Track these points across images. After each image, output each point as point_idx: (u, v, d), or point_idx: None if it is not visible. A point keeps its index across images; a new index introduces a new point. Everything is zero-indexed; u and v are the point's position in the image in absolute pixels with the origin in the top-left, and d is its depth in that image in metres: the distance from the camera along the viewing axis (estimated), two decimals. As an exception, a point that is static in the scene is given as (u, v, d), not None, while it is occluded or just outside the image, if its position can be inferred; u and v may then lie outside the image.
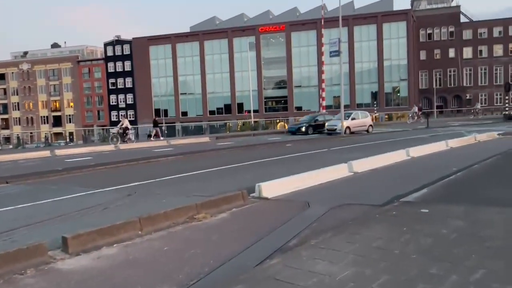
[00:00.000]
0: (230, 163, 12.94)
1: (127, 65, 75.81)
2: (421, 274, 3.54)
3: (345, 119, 27.07)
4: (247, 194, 7.25)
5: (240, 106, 66.56)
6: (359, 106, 61.48)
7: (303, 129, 29.24)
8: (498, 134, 19.57)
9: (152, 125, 33.09)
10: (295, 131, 29.70)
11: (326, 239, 4.69)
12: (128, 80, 76.24)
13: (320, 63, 46.51)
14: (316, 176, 8.64)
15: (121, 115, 26.64)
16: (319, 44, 46.66)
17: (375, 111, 45.32)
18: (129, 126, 25.77)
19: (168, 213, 6.00)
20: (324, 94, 43.39)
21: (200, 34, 69.05)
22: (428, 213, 5.64)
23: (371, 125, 29.00)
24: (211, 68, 69.04)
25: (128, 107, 76.84)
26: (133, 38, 74.44)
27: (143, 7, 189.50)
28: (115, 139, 25.11)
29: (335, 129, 26.90)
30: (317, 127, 29.49)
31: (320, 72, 45.93)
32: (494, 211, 5.59)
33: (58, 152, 20.35)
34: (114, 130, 25.85)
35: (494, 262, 3.78)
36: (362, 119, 28.59)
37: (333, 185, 8.38)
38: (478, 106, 50.25)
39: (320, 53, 46.08)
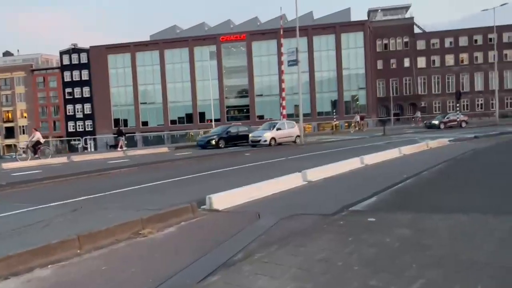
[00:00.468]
0: (186, 174, 12.68)
1: (85, 74, 73.75)
2: (361, 287, 3.49)
3: (270, 129, 26.14)
4: (197, 207, 7.06)
5: (202, 115, 66.13)
6: (320, 114, 62.52)
7: (213, 142, 26.59)
8: (449, 141, 20.28)
9: (116, 135, 31.66)
10: (204, 144, 26.84)
11: (271, 253, 4.58)
12: (86, 90, 74.15)
13: (280, 72, 47.02)
14: (270, 186, 8.56)
15: (33, 128, 24.94)
16: (279, 54, 47.18)
17: (335, 119, 46.16)
18: (42, 140, 22.87)
19: (111, 229, 5.73)
20: (284, 103, 43.78)
21: (160, 43, 68.27)
22: (374, 222, 5.65)
23: (298, 136, 27.41)
24: (172, 77, 68.31)
25: (86, 117, 74.67)
26: (90, 47, 72.59)
27: (101, 15, 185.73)
28: (24, 155, 22.89)
29: (259, 140, 25.49)
30: (231, 140, 27.22)
31: (281, 81, 46.37)
32: (439, 218, 5.67)
33: (5, 165, 19.34)
34: (23, 144, 23.46)
35: (434, 271, 3.79)
36: (289, 130, 27.10)
37: (286, 195, 8.32)
38: (418, 114, 51.37)
39: (280, 62, 46.59)
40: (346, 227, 5.49)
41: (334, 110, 50.57)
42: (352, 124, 45.29)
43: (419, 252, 4.32)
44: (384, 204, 6.88)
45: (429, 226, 5.30)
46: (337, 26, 63.04)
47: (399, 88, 67.52)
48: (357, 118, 45.62)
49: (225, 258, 4.67)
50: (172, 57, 67.96)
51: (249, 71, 66.12)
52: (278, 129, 26.27)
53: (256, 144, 25.56)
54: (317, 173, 10.15)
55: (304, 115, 55.83)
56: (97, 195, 9.51)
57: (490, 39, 56.32)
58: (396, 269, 3.89)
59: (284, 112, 43.15)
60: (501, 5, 41.73)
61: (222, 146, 26.35)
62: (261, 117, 64.21)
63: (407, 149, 15.64)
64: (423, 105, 65.97)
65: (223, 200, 7.39)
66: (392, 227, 5.32)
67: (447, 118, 39.25)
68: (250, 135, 27.14)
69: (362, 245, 4.63)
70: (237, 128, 29.08)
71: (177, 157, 20.45)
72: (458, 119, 38.87)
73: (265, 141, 25.14)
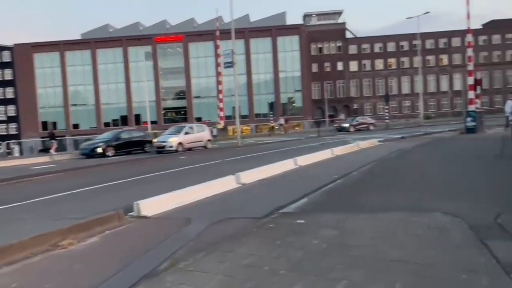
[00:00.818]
0: (116, 179, 12.15)
1: (8, 74, 68.84)
2: (285, 292, 3.46)
3: (176, 134, 24.17)
4: (123, 214, 6.74)
5: (138, 117, 64.23)
6: (257, 116, 63.12)
7: (99, 150, 22.84)
8: (379, 141, 21.23)
9: (48, 138, 29.18)
10: (89, 153, 22.96)
11: (198, 260, 4.45)
12: (9, 90, 69.23)
13: (218, 74, 46.87)
14: (203, 190, 8.40)
15: None
16: (217, 55, 47.00)
17: (272, 121, 46.78)
18: None
19: (25, 242, 5.28)
20: (222, 105, 43.72)
21: (92, 42, 65.40)
22: (303, 223, 5.70)
23: (209, 140, 25.88)
24: (105, 78, 65.66)
25: (10, 119, 69.69)
26: (14, 45, 67.88)
27: (27, 11, 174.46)
28: None
29: (164, 146, 23.22)
30: (123, 147, 23.94)
31: (218, 83, 46.20)
32: (364, 217, 5.84)
33: None
34: None
35: (356, 271, 3.85)
36: (199, 134, 25.13)
37: (219, 198, 8.20)
38: (342, 116, 51.67)
39: (217, 64, 46.42)
40: (275, 230, 5.48)
41: (272, 112, 51.26)
42: (277, 127, 45.83)
43: (343, 253, 4.39)
44: (314, 205, 6.98)
45: (355, 226, 5.42)
46: (273, 29, 64.03)
47: (333, 90, 69.91)
48: (281, 121, 46.36)
49: (149, 268, 4.46)
50: (105, 57, 65.35)
51: (186, 72, 65.24)
52: (186, 133, 24.26)
53: (162, 150, 23.16)
54: (251, 175, 10.13)
55: (242, 116, 56.16)
56: (14, 204, 8.81)
57: (415, 45, 59.92)
58: (321, 271, 3.91)
59: (222, 114, 43.16)
60: (424, 13, 44.65)
61: (111, 155, 22.70)
62: (199, 119, 63.63)
63: (339, 150, 16.14)
64: (355, 107, 68.79)
65: (152, 206, 7.12)
66: (320, 228, 5.39)
67: (357, 121, 40.76)
68: (155, 140, 24.98)
69: (289, 248, 4.63)
70: (129, 133, 25.81)
71: (108, 162, 19.61)
72: (367, 122, 40.78)
73: (171, 146, 22.97)
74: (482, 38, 67.27)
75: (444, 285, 3.49)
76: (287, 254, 4.45)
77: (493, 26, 69.18)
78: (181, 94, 66.31)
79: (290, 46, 64.78)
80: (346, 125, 39.56)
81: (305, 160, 13.09)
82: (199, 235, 5.66)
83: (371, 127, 40.08)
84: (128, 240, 5.87)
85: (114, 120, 65.88)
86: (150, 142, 25.61)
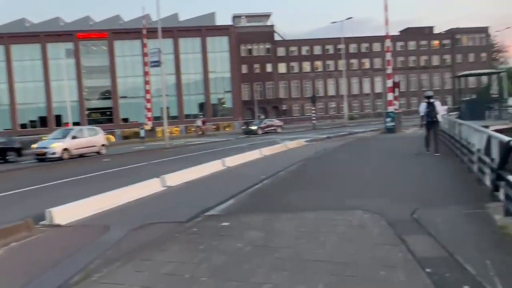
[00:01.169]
0: (28, 185, 11.20)
1: None
2: (205, 300, 3.28)
3: (61, 138, 20.49)
4: (33, 223, 6.15)
5: (58, 118, 60.37)
6: (187, 116, 62.12)
7: None
8: (306, 141, 21.74)
9: None
10: None
11: (113, 271, 4.13)
12: None
13: (145, 74, 45.45)
14: (125, 194, 7.96)
15: None
16: (144, 54, 45.59)
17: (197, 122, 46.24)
18: None
19: None
20: (149, 105, 42.45)
21: (5, 37, 60.36)
22: (228, 226, 5.56)
23: (104, 145, 22.31)
24: (21, 76, 60.92)
25: None
26: None
27: None
28: None
29: (45, 152, 19.52)
30: None
31: (145, 82, 44.81)
32: (289, 217, 5.82)
33: None
34: None
35: (279, 274, 3.77)
36: (91, 138, 21.48)
37: (142, 203, 7.81)
38: (199, 122, 45.39)
39: (144, 63, 45.03)
40: (199, 234, 5.28)
41: (201, 113, 50.64)
42: (193, 129, 45.26)
43: (268, 255, 4.30)
44: (241, 206, 6.87)
45: (280, 227, 5.38)
46: (203, 30, 63.43)
47: (262, 92, 70.83)
48: (199, 122, 45.80)
49: (58, 283, 4.06)
50: (20, 54, 60.65)
51: (111, 71, 62.47)
52: (73, 137, 20.57)
53: (43, 158, 19.49)
54: (177, 178, 9.82)
55: (172, 117, 54.91)
56: None
57: (339, 49, 62.49)
58: (244, 275, 3.79)
59: (150, 114, 41.91)
60: (347, 18, 46.71)
61: None
62: (125, 120, 61.31)
63: (267, 150, 16.26)
64: (284, 108, 70.25)
65: (66, 213, 6.59)
66: (245, 230, 5.28)
67: (265, 123, 39.67)
68: (34, 145, 21.93)
69: (213, 253, 4.46)
70: None
71: (21, 166, 18.13)
72: (274, 125, 39.98)
73: (54, 153, 19.38)
74: (399, 44, 71.78)
75: (364, 283, 3.52)
76: (210, 259, 4.27)
77: (408, 33, 74.20)
78: (107, 94, 63.40)
79: (219, 47, 64.55)
80: (254, 127, 38.16)
81: (233, 160, 12.99)
82: (118, 243, 5.30)
83: (279, 130, 39.30)
84: (37, 251, 5.35)
85: (31, 121, 61.38)
86: (18, 149, 21.59)
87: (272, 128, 39.36)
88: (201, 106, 56.22)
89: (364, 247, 4.39)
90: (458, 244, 4.27)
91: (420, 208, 5.81)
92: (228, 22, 72.25)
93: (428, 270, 3.67)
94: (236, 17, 73.26)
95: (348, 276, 3.67)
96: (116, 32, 62.74)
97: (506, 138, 5.20)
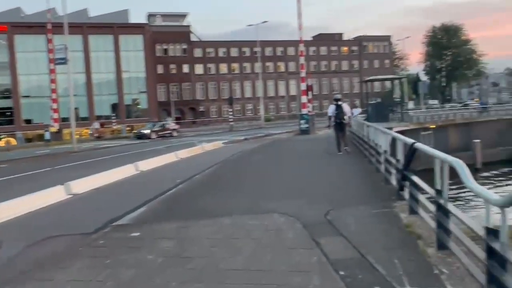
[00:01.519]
0: None
1: None
2: (108, 324, 2.96)
3: None
4: None
5: None
6: (99, 118, 58.93)
7: None
8: (223, 143, 21.64)
9: None
10: None
11: (0, 296, 3.61)
12: None
13: (50, 72, 42.26)
14: (22, 204, 7.17)
15: None
16: (49, 51, 42.35)
17: (115, 123, 44.17)
18: None
19: None
20: (56, 106, 39.57)
21: None
22: (139, 236, 5.21)
23: None
24: None
25: None
26: None
27: None
28: None
29: None
30: None
31: (51, 81, 41.69)
32: (204, 223, 5.62)
33: None
34: None
35: (194, 287, 3.56)
36: None
37: (43, 213, 7.10)
38: (96, 125, 43.44)
39: (50, 61, 41.84)
40: (106, 247, 4.86)
41: (114, 114, 48.34)
42: (90, 132, 42.83)
43: (181, 267, 4.06)
44: (153, 214, 6.52)
45: (195, 235, 5.16)
46: (115, 27, 60.61)
47: (179, 93, 69.59)
48: (96, 125, 43.63)
49: None
50: None
51: (12, 68, 57.22)
52: None
53: None
54: (85, 184, 9.13)
55: (82, 118, 51.73)
56: None
57: (256, 52, 63.48)
58: (154, 291, 3.51)
59: (56, 115, 39.06)
60: (263, 22, 47.61)
61: None
62: (28, 121, 56.54)
63: (184, 153, 15.85)
64: (201, 109, 69.71)
65: None
66: (157, 240, 4.97)
67: (159, 126, 36.07)
68: None
69: (120, 268, 4.10)
70: None
71: None
72: (170, 128, 36.68)
73: None
74: (312, 49, 74.85)
75: (280, 290, 3.44)
76: (117, 274, 3.92)
77: (320, 39, 77.76)
78: (6, 93, 57.91)
79: (133, 46, 62.16)
80: (147, 131, 34.36)
81: (147, 164, 12.44)
82: (11, 261, 4.70)
83: (175, 133, 36.18)
84: None
85: None
86: None
87: (167, 131, 35.82)
88: (114, 107, 53.68)
89: (280, 252, 4.34)
90: (368, 244, 4.38)
91: (333, 209, 5.93)
92: (143, 20, 70.05)
93: (341, 272, 3.69)
94: (151, 16, 71.20)
95: (264, 284, 3.57)
96: (16, 26, 57.68)
97: (410, 141, 5.49)
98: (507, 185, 20.32)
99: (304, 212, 5.88)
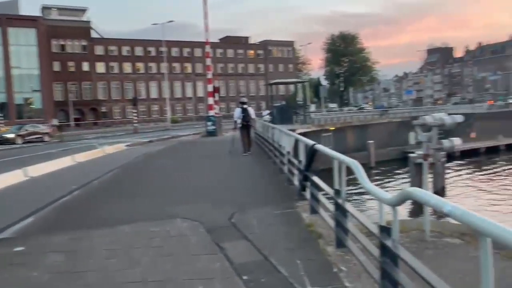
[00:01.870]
0: None
1: None
2: None
3: None
4: None
5: None
6: (-16, 119, 53.01)
7: None
8: (126, 146, 20.65)
9: None
10: None
11: None
12: None
13: None
14: None
15: None
16: None
17: (3, 125, 39.94)
18: None
19: None
20: None
21: None
22: (23, 251, 4.65)
23: None
24: None
25: None
26: None
27: None
28: None
29: None
30: None
31: None
32: (99, 233, 5.21)
33: None
34: None
35: (83, 305, 3.23)
36: None
37: None
38: (54, 122, 39.63)
39: None
40: (-19, 266, 4.26)
41: (2, 115, 43.75)
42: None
43: (71, 283, 3.68)
44: (42, 225, 5.90)
45: (89, 246, 4.74)
46: (4, 19, 55.03)
47: (79, 92, 65.29)
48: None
49: None
50: None
51: None
52: None
53: None
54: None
55: (-39, 120, 46.05)
56: None
57: (161, 52, 61.93)
58: (37, 313, 3.12)
59: None
60: (168, 21, 46.62)
61: None
62: None
63: (82, 156, 14.80)
64: (103, 110, 66.14)
65: None
66: (44, 254, 4.48)
67: (26, 130, 30.76)
68: None
69: (-3, 289, 3.60)
70: None
71: None
72: (40, 132, 31.73)
73: None
74: (219, 51, 75.14)
75: (180, 301, 3.25)
76: (-7, 298, 3.43)
77: (227, 42, 78.39)
78: None
79: (25, 40, 56.99)
80: (11, 135, 29.31)
81: (38, 169, 11.35)
82: None
83: (46, 138, 31.25)
84: None
85: None
86: None
87: (37, 136, 31.03)
88: (2, 107, 48.66)
89: (182, 259, 4.15)
90: (272, 246, 4.38)
91: (237, 212, 5.88)
92: (36, 13, 64.65)
93: (245, 277, 3.62)
94: (45, 9, 65.92)
95: (164, 296, 3.36)
96: None
97: (311, 142, 5.64)
98: (395, 179, 24.02)
99: (208, 215, 5.75)
